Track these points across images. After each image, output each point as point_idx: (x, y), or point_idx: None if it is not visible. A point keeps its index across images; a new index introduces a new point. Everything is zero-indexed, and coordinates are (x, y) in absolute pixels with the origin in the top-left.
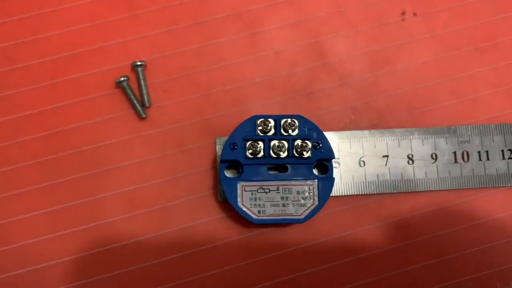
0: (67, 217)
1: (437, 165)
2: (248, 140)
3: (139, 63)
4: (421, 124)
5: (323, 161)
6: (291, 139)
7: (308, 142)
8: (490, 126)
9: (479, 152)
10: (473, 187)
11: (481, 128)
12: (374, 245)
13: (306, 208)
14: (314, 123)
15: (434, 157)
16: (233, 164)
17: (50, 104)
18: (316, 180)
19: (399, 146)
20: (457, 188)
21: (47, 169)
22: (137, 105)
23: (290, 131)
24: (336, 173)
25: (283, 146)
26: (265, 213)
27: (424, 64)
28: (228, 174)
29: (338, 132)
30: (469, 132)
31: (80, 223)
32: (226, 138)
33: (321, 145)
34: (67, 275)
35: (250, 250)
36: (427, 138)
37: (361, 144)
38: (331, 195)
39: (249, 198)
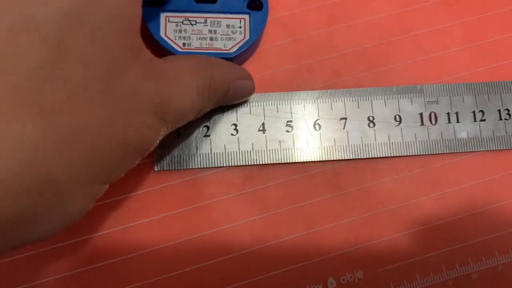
0: None
1: (401, 128)
2: None
3: None
4: (383, 84)
5: None
6: None
7: None
8: (460, 85)
9: (448, 113)
10: (442, 152)
11: (450, 87)
12: (330, 218)
13: (236, 42)
14: None
15: (397, 119)
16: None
17: None
18: (248, 14)
19: (358, 107)
20: (423, 153)
21: None
22: None
23: None
24: (288, 138)
25: None
26: (190, 46)
27: (386, 18)
28: None
29: (291, 93)
30: (437, 92)
31: None
32: None
33: None
34: None
35: (192, 226)
36: (389, 98)
37: (316, 105)
38: (284, 161)
39: (173, 30)
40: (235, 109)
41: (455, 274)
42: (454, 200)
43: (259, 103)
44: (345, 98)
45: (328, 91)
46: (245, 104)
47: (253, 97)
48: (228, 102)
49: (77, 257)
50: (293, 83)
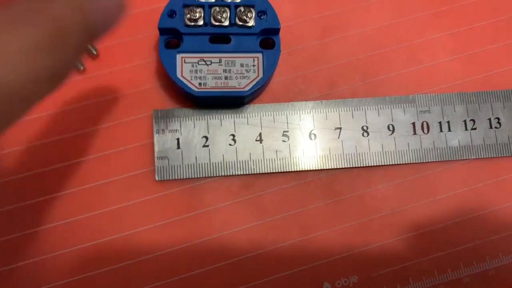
0: None
1: (394, 137)
2: (187, 6)
3: None
4: (376, 93)
5: (269, 33)
6: (233, 6)
7: (252, 9)
8: (451, 95)
9: (440, 122)
10: (434, 160)
11: (441, 97)
12: (326, 224)
13: (250, 80)
14: None
15: (391, 128)
16: (174, 40)
17: None
18: (261, 53)
19: (352, 117)
20: (416, 161)
21: None
22: None
23: None
24: (285, 147)
25: (225, 11)
26: (206, 86)
27: (379, 29)
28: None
29: (287, 103)
30: (429, 102)
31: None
32: (164, 110)
33: (266, 15)
34: None
35: (191, 232)
36: (383, 108)
37: (312, 116)
38: (281, 170)
39: (189, 70)
40: (232, 120)
41: (447, 278)
42: (446, 206)
43: (256, 114)
44: (340, 109)
45: (323, 101)
46: (243, 115)
47: (250, 108)
48: (100, 33)
49: (79, 263)
50: (289, 93)
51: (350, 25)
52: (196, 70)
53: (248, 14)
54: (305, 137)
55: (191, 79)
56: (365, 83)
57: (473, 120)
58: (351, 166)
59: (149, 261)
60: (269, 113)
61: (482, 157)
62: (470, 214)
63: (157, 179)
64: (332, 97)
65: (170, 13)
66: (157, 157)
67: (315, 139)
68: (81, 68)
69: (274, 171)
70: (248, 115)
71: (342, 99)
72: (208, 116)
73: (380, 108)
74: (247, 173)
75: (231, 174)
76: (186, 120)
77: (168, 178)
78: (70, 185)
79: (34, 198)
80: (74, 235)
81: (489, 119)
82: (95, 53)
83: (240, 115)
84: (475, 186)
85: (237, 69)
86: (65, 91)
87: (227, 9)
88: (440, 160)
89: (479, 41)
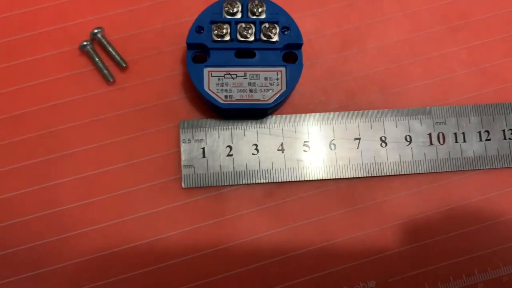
0: (22, 204)
1: (411, 148)
2: (214, 23)
3: (96, 30)
4: (394, 105)
5: (292, 47)
6: (258, 22)
7: (276, 25)
8: (466, 107)
9: (455, 133)
10: (449, 170)
11: (457, 108)
12: (345, 231)
13: (274, 93)
14: (282, 8)
15: (408, 139)
16: (201, 54)
17: (5, 88)
18: (284, 67)
19: (371, 128)
20: (432, 171)
21: (2, 155)
22: (103, 69)
23: (257, 13)
24: (305, 157)
25: (250, 27)
26: (232, 98)
27: (397, 43)
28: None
29: (308, 114)
30: (445, 113)
31: (35, 210)
32: (190, 121)
33: (289, 30)
34: (20, 265)
35: (216, 238)
36: (400, 119)
37: (332, 126)
38: (302, 179)
39: (216, 83)
40: (255, 130)
41: (462, 284)
42: (460, 215)
43: (278, 125)
44: (359, 120)
45: (343, 113)
46: (265, 126)
47: (272, 118)
48: None
49: (108, 268)
50: (310, 104)
51: (368, 39)
52: (222, 83)
53: (273, 30)
54: (325, 147)
55: (217, 92)
56: (383, 95)
57: (487, 132)
58: (370, 175)
59: (175, 266)
60: (291, 124)
61: (496, 167)
62: (484, 222)
63: (183, 186)
64: (351, 108)
65: (198, 29)
66: (184, 166)
67: (335, 149)
68: (111, 80)
69: (295, 179)
70: (271, 125)
71: (361, 110)
72: (232, 127)
73: (398, 120)
74: (270, 181)
75: (254, 182)
76: (211, 130)
77: (194, 186)
78: (100, 192)
79: (65, 205)
80: (104, 240)
81: (503, 131)
82: (124, 65)
83: (263, 125)
84: (489, 195)
85: (261, 82)
86: (96, 101)
87: (252, 25)
88: (455, 170)
89: (494, 54)
